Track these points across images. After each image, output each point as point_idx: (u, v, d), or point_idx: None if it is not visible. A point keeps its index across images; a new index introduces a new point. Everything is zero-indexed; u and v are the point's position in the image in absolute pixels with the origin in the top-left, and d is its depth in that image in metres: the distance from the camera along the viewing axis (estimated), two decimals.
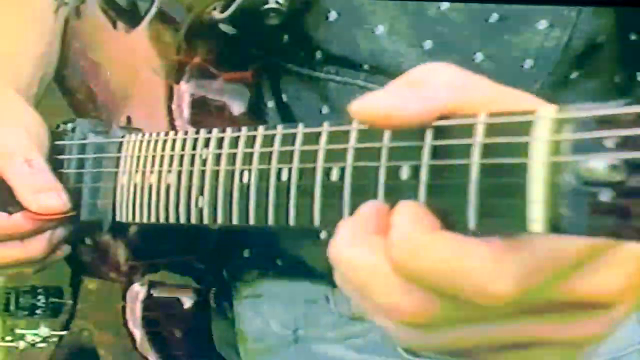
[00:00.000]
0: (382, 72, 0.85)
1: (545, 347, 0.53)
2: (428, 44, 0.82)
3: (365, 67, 0.85)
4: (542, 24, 0.79)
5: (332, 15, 0.86)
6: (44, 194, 0.90)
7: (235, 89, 0.88)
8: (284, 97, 0.91)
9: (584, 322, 0.51)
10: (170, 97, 0.87)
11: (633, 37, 0.81)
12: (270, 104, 0.91)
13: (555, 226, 0.43)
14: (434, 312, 0.50)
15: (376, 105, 0.52)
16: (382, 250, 0.51)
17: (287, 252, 0.93)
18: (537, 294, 0.49)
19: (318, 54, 0.88)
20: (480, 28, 0.80)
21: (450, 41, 0.81)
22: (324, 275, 0.90)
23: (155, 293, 0.91)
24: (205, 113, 0.87)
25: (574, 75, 0.81)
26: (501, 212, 0.46)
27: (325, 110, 0.88)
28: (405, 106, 0.51)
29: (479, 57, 0.81)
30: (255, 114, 0.88)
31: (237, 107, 0.88)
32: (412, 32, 0.83)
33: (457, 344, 0.53)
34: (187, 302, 0.92)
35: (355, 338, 0.93)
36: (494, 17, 0.80)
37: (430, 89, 0.51)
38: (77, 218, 0.93)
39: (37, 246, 0.92)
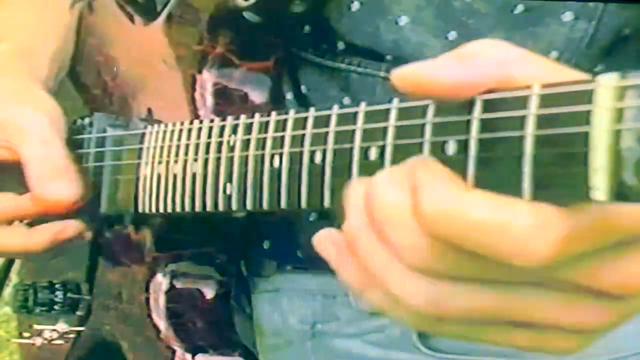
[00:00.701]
0: (405, 63, 0.84)
1: (551, 330, 0.52)
2: (452, 35, 0.82)
3: (388, 58, 0.85)
4: (568, 16, 0.79)
5: (355, 6, 0.85)
6: (54, 182, 0.89)
7: (256, 78, 0.88)
8: (303, 89, 0.90)
9: (598, 310, 0.51)
10: (192, 86, 0.87)
11: None
12: (289, 95, 0.90)
13: (619, 194, 0.43)
14: (456, 263, 0.50)
15: (419, 72, 0.51)
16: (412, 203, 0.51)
17: (308, 243, 0.92)
18: (574, 264, 0.48)
19: (340, 45, 0.88)
20: (506, 19, 0.80)
21: (475, 32, 0.81)
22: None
23: (178, 284, 0.91)
24: (227, 102, 0.87)
25: (598, 68, 0.81)
26: (560, 181, 0.45)
27: (346, 101, 0.88)
28: (450, 75, 0.50)
29: None
30: (276, 104, 0.88)
31: (258, 97, 0.88)
32: (436, 22, 0.82)
33: (469, 312, 0.52)
34: (209, 293, 0.92)
35: (374, 333, 0.93)
36: (519, 8, 0.79)
37: (479, 62, 0.51)
38: (97, 211, 0.92)
39: (40, 238, 0.91)
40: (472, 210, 0.48)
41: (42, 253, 0.92)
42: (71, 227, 0.92)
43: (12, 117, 0.92)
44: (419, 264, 0.51)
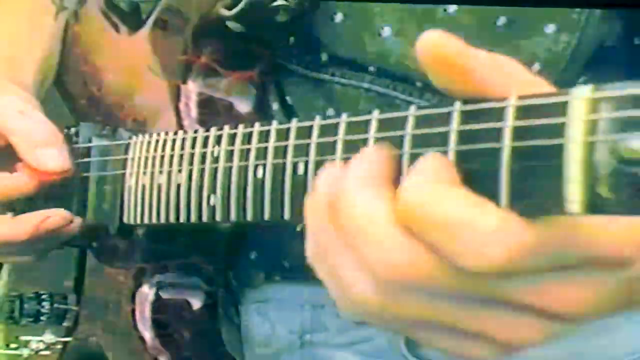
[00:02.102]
0: (389, 74, 0.85)
1: (479, 342, 0.53)
2: None
3: (371, 69, 0.85)
4: (550, 28, 0.79)
5: (338, 17, 0.85)
6: (44, 150, 0.89)
7: (241, 88, 0.88)
8: (289, 99, 0.90)
9: (535, 328, 0.51)
10: (177, 97, 0.87)
11: (637, 41, 0.81)
12: (275, 105, 0.90)
13: (594, 206, 0.43)
14: (424, 270, 0.50)
15: (452, 44, 0.52)
16: (388, 199, 0.51)
17: (295, 253, 0.92)
18: (524, 280, 0.49)
19: (324, 56, 0.88)
20: (488, 31, 0.80)
21: None
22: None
23: (165, 295, 0.91)
24: (212, 112, 0.87)
25: (581, 79, 0.81)
26: (536, 193, 0.46)
27: (330, 112, 0.88)
28: (482, 63, 0.51)
29: None
30: (261, 114, 0.87)
31: (244, 107, 0.88)
32: (419, 34, 0.82)
33: (419, 313, 0.53)
34: (196, 303, 0.92)
35: (362, 343, 0.93)
36: (502, 20, 0.79)
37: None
38: (83, 221, 0.93)
39: (24, 226, 0.91)
40: (441, 203, 0.49)
41: (27, 243, 0.92)
42: (56, 216, 0.92)
43: None
44: (382, 273, 0.51)
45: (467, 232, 0.47)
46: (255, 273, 0.96)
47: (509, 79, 0.51)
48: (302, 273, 0.91)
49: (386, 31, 0.83)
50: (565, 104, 0.44)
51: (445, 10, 0.81)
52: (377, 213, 0.51)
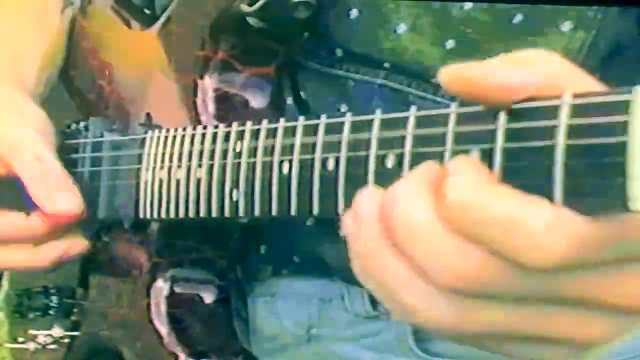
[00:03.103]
0: (403, 71, 0.85)
1: (556, 345, 0.53)
2: (451, 43, 0.82)
3: (386, 65, 0.86)
4: (566, 26, 0.79)
5: (354, 13, 0.86)
6: (59, 195, 0.89)
7: (257, 83, 0.88)
8: (303, 95, 0.91)
9: (606, 325, 0.52)
10: (194, 92, 0.87)
11: None
12: (290, 100, 0.91)
13: None
14: (488, 274, 0.50)
15: (470, 71, 0.51)
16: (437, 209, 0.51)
17: (305, 248, 0.93)
18: (587, 275, 0.49)
19: (338, 52, 0.88)
20: (504, 28, 0.80)
21: (473, 41, 0.81)
22: (341, 273, 0.90)
23: (178, 289, 0.91)
24: (229, 108, 0.87)
25: (596, 77, 0.82)
26: (594, 191, 0.46)
27: (343, 108, 0.88)
28: (501, 77, 0.51)
29: None
30: (276, 110, 0.88)
31: (259, 102, 0.88)
32: (434, 31, 0.83)
33: (489, 327, 0.53)
34: (209, 297, 0.92)
35: (370, 337, 0.94)
36: (518, 17, 0.80)
37: (530, 69, 0.51)
38: (95, 216, 0.92)
39: (47, 255, 0.91)
40: (493, 203, 0.49)
41: (51, 268, 0.92)
42: (77, 245, 0.92)
43: (1, 135, 0.91)
44: (446, 282, 0.51)
45: (523, 228, 0.47)
46: (263, 267, 0.97)
47: (555, 77, 0.51)
48: (310, 267, 0.93)
49: (401, 27, 0.84)
50: (628, 102, 0.44)
51: (461, 7, 0.81)
52: (432, 223, 0.51)
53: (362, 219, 0.55)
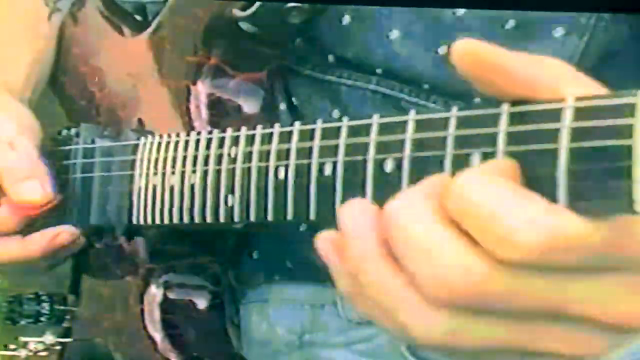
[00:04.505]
0: (396, 76, 0.85)
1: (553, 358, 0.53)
2: (443, 49, 0.82)
3: (378, 71, 0.86)
4: (559, 32, 0.79)
5: (346, 19, 0.86)
6: (26, 184, 0.89)
7: (250, 89, 0.88)
8: (295, 100, 0.91)
9: (599, 341, 0.52)
10: (187, 98, 0.87)
11: None
12: (282, 106, 0.91)
13: None
14: (475, 274, 0.49)
15: (486, 49, 0.51)
16: (441, 218, 0.51)
17: (298, 254, 0.92)
18: (587, 274, 0.49)
19: (330, 58, 0.88)
20: (497, 34, 0.80)
21: None
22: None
23: (172, 295, 0.91)
24: (222, 113, 0.87)
25: None
26: (599, 194, 0.46)
27: (335, 114, 0.88)
28: (516, 64, 0.51)
29: None
30: (269, 116, 0.88)
31: (251, 108, 0.88)
32: (427, 36, 0.83)
33: (482, 343, 0.52)
34: (202, 303, 0.92)
35: (362, 343, 0.93)
36: (511, 23, 0.80)
37: (540, 66, 0.51)
38: (86, 222, 0.92)
39: (36, 245, 0.91)
40: (484, 190, 0.49)
41: (41, 261, 0.92)
42: (65, 233, 0.92)
43: None
44: (441, 296, 0.51)
45: (501, 220, 0.47)
46: (255, 273, 0.97)
47: (558, 79, 0.51)
48: (302, 273, 0.92)
49: (394, 34, 0.84)
50: (633, 105, 0.45)
51: (454, 13, 0.82)
52: (433, 235, 0.51)
53: (354, 233, 0.55)
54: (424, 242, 0.51)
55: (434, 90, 0.84)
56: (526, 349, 0.52)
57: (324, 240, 0.58)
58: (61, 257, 0.95)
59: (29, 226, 0.91)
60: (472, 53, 0.52)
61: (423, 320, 0.52)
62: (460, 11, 0.82)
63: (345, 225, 0.55)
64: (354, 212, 0.55)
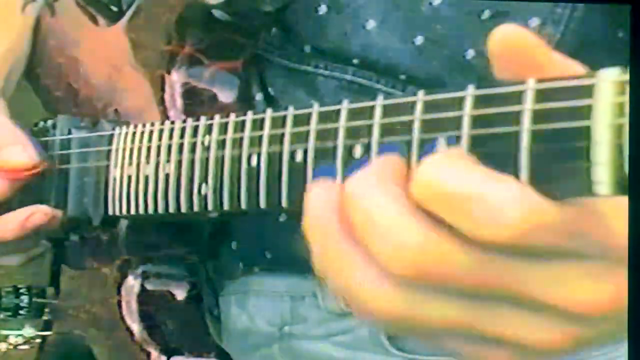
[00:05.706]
0: (372, 67, 0.85)
1: (501, 346, 0.52)
2: (419, 40, 0.82)
3: (355, 61, 0.86)
4: (534, 22, 0.79)
5: (322, 9, 0.86)
6: (7, 147, 0.88)
7: (225, 78, 0.88)
8: (271, 91, 0.91)
9: (547, 327, 0.51)
10: (162, 87, 0.87)
11: (621, 34, 0.82)
12: (259, 96, 0.90)
13: (622, 187, 0.44)
14: (436, 252, 0.49)
15: (527, 36, 0.52)
16: (400, 190, 0.51)
17: (277, 244, 0.92)
18: (544, 256, 0.49)
19: (307, 48, 0.88)
20: (473, 24, 0.80)
21: (442, 37, 0.82)
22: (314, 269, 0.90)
23: (149, 286, 0.90)
24: (197, 102, 0.87)
25: None
26: (560, 176, 0.46)
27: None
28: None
29: (471, 53, 0.81)
30: (244, 105, 0.87)
31: (227, 97, 0.88)
32: (403, 27, 0.83)
33: (437, 322, 0.52)
34: (180, 294, 0.91)
35: (343, 335, 0.93)
36: (486, 13, 0.80)
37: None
38: (65, 214, 0.92)
39: (9, 225, 0.90)
40: (457, 174, 0.49)
41: (11, 243, 0.91)
42: (40, 212, 0.90)
43: None
44: (399, 270, 0.50)
45: (483, 202, 0.47)
46: (234, 264, 0.96)
47: None
48: (282, 264, 0.92)
49: (370, 24, 0.84)
50: (592, 87, 0.44)
51: (430, 3, 0.82)
52: (389, 210, 0.51)
53: (317, 212, 0.55)
54: (383, 219, 0.51)
55: (410, 80, 0.84)
56: (485, 334, 0.52)
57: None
58: (35, 240, 0.94)
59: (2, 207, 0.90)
60: (518, 37, 0.52)
61: (381, 296, 0.52)
62: (437, 1, 0.82)
63: (310, 205, 0.55)
64: (318, 193, 0.55)
